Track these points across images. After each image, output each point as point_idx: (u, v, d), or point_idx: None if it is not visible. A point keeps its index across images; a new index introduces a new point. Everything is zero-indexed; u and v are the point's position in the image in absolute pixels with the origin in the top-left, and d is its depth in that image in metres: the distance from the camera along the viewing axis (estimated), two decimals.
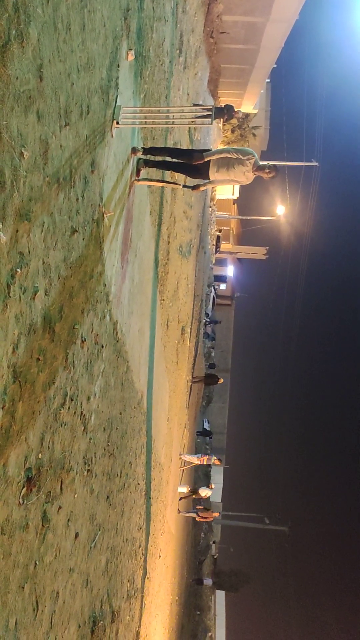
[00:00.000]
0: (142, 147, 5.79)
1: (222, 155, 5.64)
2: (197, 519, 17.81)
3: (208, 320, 36.68)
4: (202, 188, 6.05)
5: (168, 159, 6.20)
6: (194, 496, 17.40)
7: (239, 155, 5.58)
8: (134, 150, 5.57)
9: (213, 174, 5.71)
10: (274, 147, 53.73)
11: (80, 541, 4.14)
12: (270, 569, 66.80)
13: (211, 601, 40.87)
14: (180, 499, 16.13)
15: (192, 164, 5.77)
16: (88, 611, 4.49)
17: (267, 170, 5.62)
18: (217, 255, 46.45)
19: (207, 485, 23.86)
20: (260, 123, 46.09)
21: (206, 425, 35.39)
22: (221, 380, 22.69)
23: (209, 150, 5.83)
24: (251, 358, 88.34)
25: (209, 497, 18.44)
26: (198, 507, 17.83)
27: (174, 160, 6.08)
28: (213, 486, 17.87)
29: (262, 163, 5.69)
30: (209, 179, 5.80)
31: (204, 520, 18.26)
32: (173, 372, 12.69)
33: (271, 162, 5.82)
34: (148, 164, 5.93)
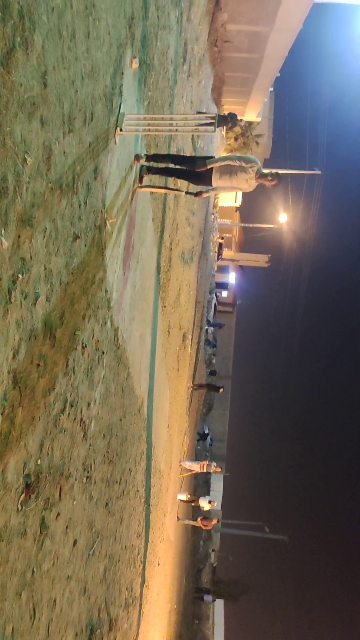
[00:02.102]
0: (145, 154, 5.81)
1: (225, 163, 5.65)
2: (197, 524, 17.69)
3: (210, 322, 36.71)
4: (204, 194, 6.06)
5: (171, 165, 6.22)
6: (193, 504, 17.28)
7: (241, 162, 5.59)
8: (137, 157, 5.59)
9: (216, 181, 5.72)
10: (276, 156, 53.93)
11: (78, 548, 4.12)
12: (269, 578, 66.37)
13: (210, 610, 40.57)
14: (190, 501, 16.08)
15: (195, 170, 5.78)
16: (85, 619, 4.45)
17: (270, 178, 5.62)
18: (219, 263, 46.52)
19: (208, 494, 23.67)
20: (263, 131, 46.30)
21: (206, 432, 35.30)
22: (222, 390, 22.58)
23: (212, 157, 5.84)
24: (252, 365, 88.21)
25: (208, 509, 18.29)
26: (200, 518, 17.70)
27: (177, 167, 6.10)
28: (215, 504, 17.62)
29: (264, 171, 5.70)
30: (212, 186, 5.81)
31: (205, 527, 18.13)
32: (174, 378, 12.67)
33: (274, 170, 5.81)
34: (151, 170, 5.94)
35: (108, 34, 4.08)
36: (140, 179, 5.82)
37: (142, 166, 5.83)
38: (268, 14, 22.39)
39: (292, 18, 22.46)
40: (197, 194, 6.05)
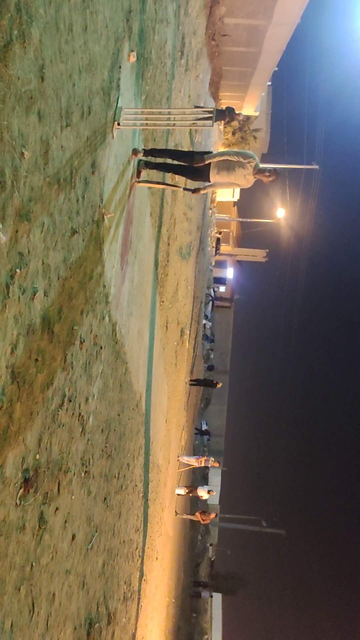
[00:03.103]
0: (142, 149, 5.78)
1: (223, 158, 5.62)
2: (196, 518, 17.75)
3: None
4: (202, 191, 6.04)
5: (169, 161, 6.20)
6: (190, 494, 17.31)
7: (239, 158, 5.57)
8: (135, 152, 5.56)
9: (213, 177, 5.70)
10: (274, 150, 53.84)
11: (77, 543, 4.13)
12: (267, 572, 66.74)
13: (208, 604, 40.80)
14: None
15: (193, 165, 5.77)
16: (84, 613, 4.47)
17: (267, 174, 5.61)
18: (216, 258, 46.49)
19: (206, 485, 23.68)
20: (261, 126, 46.15)
21: (204, 428, 35.38)
22: (219, 385, 22.60)
23: (209, 152, 5.82)
24: (250, 360, 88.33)
25: (206, 500, 18.35)
26: (199, 512, 17.74)
27: (174, 162, 6.07)
28: (214, 492, 17.60)
29: (262, 166, 5.68)
30: (210, 182, 5.79)
31: (204, 522, 18.18)
32: (172, 373, 12.69)
33: (272, 166, 5.82)
34: (149, 165, 5.92)
35: (105, 27, 4.06)
36: (138, 174, 5.80)
37: (139, 161, 5.81)
38: (266, 8, 22.28)
39: (290, 12, 22.35)
40: (195, 190, 6.03)
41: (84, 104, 3.63)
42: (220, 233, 46.62)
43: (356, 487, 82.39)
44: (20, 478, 2.88)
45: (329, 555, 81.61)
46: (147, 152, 5.79)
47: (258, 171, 5.61)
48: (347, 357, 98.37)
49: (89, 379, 4.33)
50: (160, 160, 6.16)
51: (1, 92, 2.34)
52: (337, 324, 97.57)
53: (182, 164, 5.95)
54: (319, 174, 41.55)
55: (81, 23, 3.41)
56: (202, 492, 16.76)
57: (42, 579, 3.30)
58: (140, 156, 5.71)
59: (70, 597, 4.02)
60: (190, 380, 20.70)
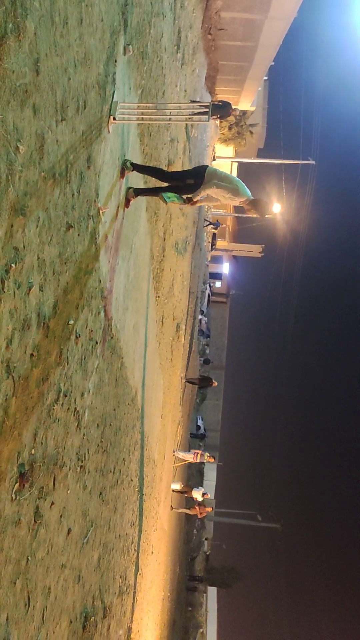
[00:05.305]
0: (131, 163, 5.60)
1: (206, 193, 5.67)
2: (192, 512, 17.77)
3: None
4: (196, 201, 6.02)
5: (161, 178, 6.20)
6: (186, 495, 17.31)
7: (230, 194, 5.63)
8: (123, 170, 5.41)
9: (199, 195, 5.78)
10: (270, 145, 53.79)
11: (72, 537, 4.14)
12: (262, 566, 67.12)
13: (203, 597, 41.01)
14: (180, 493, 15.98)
15: (184, 184, 5.79)
16: (80, 607, 4.49)
17: (247, 208, 5.69)
18: (212, 253, 46.49)
19: (202, 484, 23.74)
20: (257, 121, 46.14)
21: (200, 423, 35.45)
22: (215, 384, 22.58)
23: (204, 167, 5.79)
24: (246, 355, 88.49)
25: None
26: (195, 507, 17.77)
27: (164, 184, 6.05)
28: (208, 495, 17.54)
29: (240, 201, 5.68)
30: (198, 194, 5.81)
31: (201, 516, 18.21)
32: (167, 369, 12.70)
33: (253, 197, 5.78)
34: (140, 192, 5.87)
35: (101, 20, 4.04)
36: (127, 203, 5.69)
37: (128, 188, 5.70)
38: (262, 2, 22.20)
39: (286, 6, 22.28)
40: (188, 201, 6.00)
41: (80, 98, 3.62)
42: (216, 228, 46.57)
43: (352, 481, 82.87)
44: (16, 473, 2.88)
45: (324, 549, 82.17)
46: (136, 167, 5.68)
47: (249, 203, 5.68)
48: (343, 351, 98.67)
49: (85, 373, 4.34)
50: (152, 179, 6.15)
51: None
52: (333, 318, 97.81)
53: (174, 183, 5.94)
54: (315, 169, 41.55)
55: (76, 16, 3.40)
56: (197, 494, 16.66)
57: (38, 573, 3.31)
58: (129, 173, 5.58)
59: (66, 591, 4.03)
60: (187, 379, 20.68)
